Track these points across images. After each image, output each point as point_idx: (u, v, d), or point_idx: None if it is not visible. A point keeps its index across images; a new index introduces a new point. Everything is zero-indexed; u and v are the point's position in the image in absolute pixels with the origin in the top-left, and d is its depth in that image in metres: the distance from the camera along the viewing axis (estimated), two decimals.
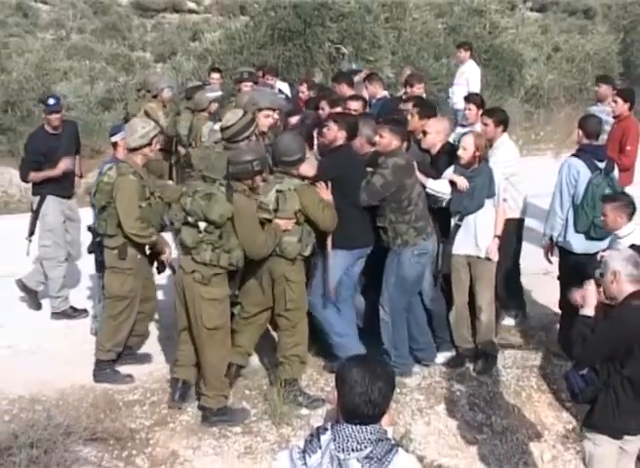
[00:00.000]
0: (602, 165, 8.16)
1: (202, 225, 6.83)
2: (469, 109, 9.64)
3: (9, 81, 17.49)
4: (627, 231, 7.08)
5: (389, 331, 7.95)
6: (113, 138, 8.56)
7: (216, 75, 13.30)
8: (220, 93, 11.65)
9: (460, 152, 7.95)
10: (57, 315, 9.15)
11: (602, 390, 5.66)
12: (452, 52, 18.92)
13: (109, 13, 39.60)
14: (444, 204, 8.04)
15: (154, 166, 11.49)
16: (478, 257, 8.04)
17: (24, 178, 9.10)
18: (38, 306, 9.34)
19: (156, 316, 8.61)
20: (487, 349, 8.35)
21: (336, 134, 7.80)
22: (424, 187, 7.90)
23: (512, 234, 8.60)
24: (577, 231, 8.10)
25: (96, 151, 15.19)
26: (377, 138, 7.82)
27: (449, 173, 8.05)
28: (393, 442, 3.67)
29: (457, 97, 14.39)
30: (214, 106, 10.76)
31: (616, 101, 10.04)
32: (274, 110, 8.71)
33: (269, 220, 7.17)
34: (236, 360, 7.64)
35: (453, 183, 7.91)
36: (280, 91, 12.46)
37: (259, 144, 7.82)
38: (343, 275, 7.84)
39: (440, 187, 7.99)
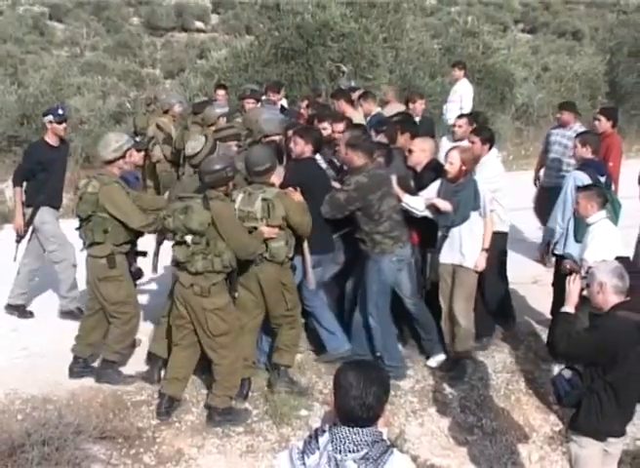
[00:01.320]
0: (603, 179, 8.40)
1: (189, 238, 6.83)
2: (459, 126, 9.72)
3: (25, 95, 17.51)
4: (596, 219, 7.36)
5: (379, 336, 7.98)
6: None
7: (221, 92, 13.30)
8: (227, 109, 11.65)
9: (447, 167, 7.99)
10: (64, 314, 9.14)
11: (586, 394, 5.69)
12: (446, 71, 18.95)
13: (121, 31, 39.77)
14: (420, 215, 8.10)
15: (165, 177, 11.58)
16: (461, 266, 8.04)
17: (17, 184, 9.00)
18: (30, 314, 9.29)
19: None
20: (463, 355, 8.32)
21: (303, 147, 8.01)
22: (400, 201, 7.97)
23: (497, 247, 8.58)
24: (577, 241, 8.12)
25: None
26: (341, 156, 7.93)
27: (434, 188, 8.09)
28: (388, 443, 3.67)
29: (450, 113, 14.44)
30: (222, 121, 10.77)
31: (599, 119, 10.12)
32: (279, 134, 8.75)
33: (256, 228, 7.22)
34: (246, 374, 7.60)
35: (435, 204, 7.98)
36: (282, 107, 12.48)
37: (226, 152, 7.86)
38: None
39: (415, 204, 8.07)
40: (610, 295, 5.62)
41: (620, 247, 7.32)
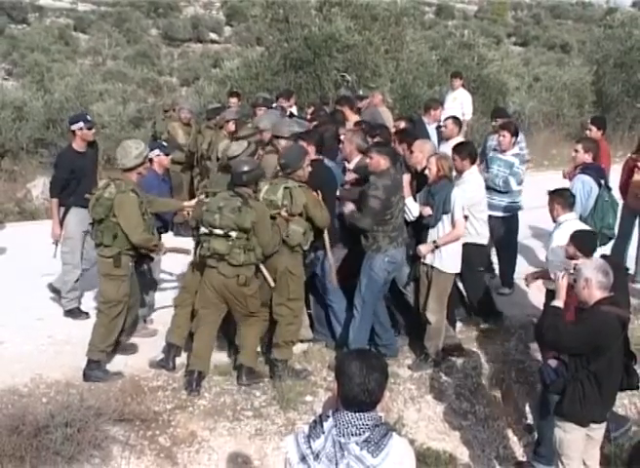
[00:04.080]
0: (602, 181, 8.52)
1: (234, 234, 7.07)
2: (445, 126, 9.76)
3: (51, 101, 17.51)
4: (564, 219, 7.48)
5: (356, 325, 7.95)
6: (73, 127, 8.75)
7: (234, 99, 13.32)
8: (237, 115, 11.66)
9: (427, 172, 7.98)
10: (66, 312, 9.08)
11: (571, 383, 5.72)
12: (444, 80, 18.98)
13: (141, 42, 39.82)
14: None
15: (173, 177, 11.58)
16: (432, 267, 7.99)
17: (53, 195, 8.94)
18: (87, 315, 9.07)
19: None
20: (431, 350, 8.27)
21: (306, 149, 7.99)
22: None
23: (475, 257, 8.57)
24: None
25: None
26: (367, 160, 7.87)
27: (417, 198, 8.17)
28: (388, 426, 3.69)
29: None
30: (232, 126, 10.77)
31: (590, 129, 10.09)
32: (288, 138, 8.75)
33: (277, 215, 7.41)
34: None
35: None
36: (291, 113, 12.48)
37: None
38: (319, 271, 8.13)
39: (412, 208, 8.08)
40: (595, 291, 5.64)
41: None
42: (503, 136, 9.59)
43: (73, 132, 8.88)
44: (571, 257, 6.83)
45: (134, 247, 7.53)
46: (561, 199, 7.55)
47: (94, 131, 9.06)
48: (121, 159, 7.59)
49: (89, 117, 9.10)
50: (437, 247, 7.88)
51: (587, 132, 10.14)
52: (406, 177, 8.13)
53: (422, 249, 7.92)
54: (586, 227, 7.57)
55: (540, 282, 7.77)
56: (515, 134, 9.65)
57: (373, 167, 7.76)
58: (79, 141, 8.86)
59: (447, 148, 9.25)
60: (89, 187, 8.24)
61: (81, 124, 8.79)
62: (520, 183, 9.60)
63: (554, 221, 7.65)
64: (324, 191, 7.73)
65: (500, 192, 9.44)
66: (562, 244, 7.10)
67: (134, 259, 7.69)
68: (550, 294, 7.07)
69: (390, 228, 7.73)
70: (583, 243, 6.75)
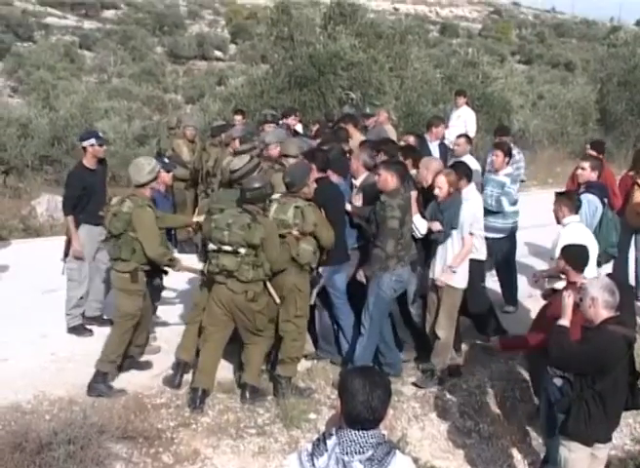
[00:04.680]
0: (605, 200, 8.64)
1: (243, 250, 7.09)
2: (457, 144, 9.77)
3: (56, 118, 17.57)
4: (568, 221, 7.71)
5: (363, 343, 7.95)
6: (84, 143, 8.77)
7: (238, 117, 13.37)
8: (243, 132, 11.69)
9: (436, 191, 7.97)
10: (69, 329, 9.03)
11: (576, 402, 5.68)
12: (448, 98, 19.02)
13: (146, 60, 39.96)
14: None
15: (177, 194, 11.60)
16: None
17: (67, 214, 8.92)
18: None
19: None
20: (438, 367, 8.26)
21: (310, 165, 8.04)
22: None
23: (476, 273, 8.53)
24: None
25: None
26: (375, 177, 7.88)
27: (426, 214, 8.14)
28: (392, 444, 3.68)
29: (452, 136, 14.43)
30: (236, 143, 10.80)
31: (590, 154, 10.11)
32: (296, 157, 8.79)
33: (287, 234, 7.43)
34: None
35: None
36: (295, 131, 12.52)
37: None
38: (329, 288, 8.14)
39: (420, 225, 8.09)
40: (601, 310, 5.63)
41: (592, 247, 7.55)
42: (496, 155, 9.68)
43: (84, 148, 8.90)
44: (561, 271, 6.88)
45: (149, 261, 7.58)
46: (569, 201, 7.74)
47: (104, 148, 9.10)
48: (134, 176, 7.69)
49: (100, 134, 9.16)
50: (450, 268, 7.92)
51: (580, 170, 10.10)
52: (413, 194, 8.13)
53: (443, 278, 7.93)
54: (589, 231, 7.83)
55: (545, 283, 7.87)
56: (508, 153, 9.70)
57: (381, 184, 7.76)
58: (90, 158, 8.88)
59: None
60: (99, 204, 8.29)
61: (92, 140, 8.82)
62: (514, 204, 9.60)
63: (558, 223, 7.82)
64: (328, 208, 7.76)
65: (493, 213, 9.45)
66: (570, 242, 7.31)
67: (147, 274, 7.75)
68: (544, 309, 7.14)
69: (399, 247, 7.74)
70: (574, 257, 6.80)
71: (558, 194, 7.84)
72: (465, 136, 10.50)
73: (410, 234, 7.94)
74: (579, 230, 7.64)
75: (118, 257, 7.56)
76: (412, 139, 10.23)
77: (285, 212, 7.47)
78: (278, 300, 7.49)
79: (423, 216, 8.14)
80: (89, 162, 8.88)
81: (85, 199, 8.78)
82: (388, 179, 7.70)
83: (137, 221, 7.44)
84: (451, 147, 12.27)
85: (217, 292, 7.33)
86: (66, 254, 8.93)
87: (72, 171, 9.25)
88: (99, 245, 8.78)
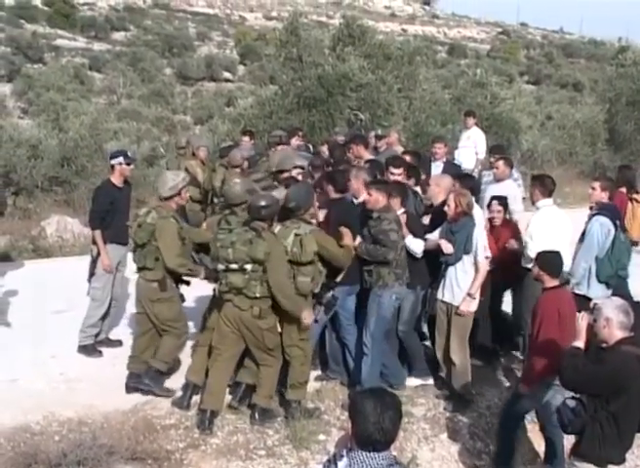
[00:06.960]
0: (617, 222, 8.48)
1: (249, 267, 7.09)
2: (497, 168, 9.76)
3: (66, 139, 17.64)
4: (542, 204, 8.17)
5: (368, 363, 7.96)
6: (113, 161, 8.89)
7: (246, 138, 13.40)
8: (252, 153, 11.72)
9: (445, 208, 8.00)
10: (80, 348, 9.04)
11: (589, 423, 5.63)
12: (457, 119, 19.07)
13: (155, 81, 40.22)
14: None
15: (192, 216, 11.61)
16: (452, 304, 7.99)
17: (95, 228, 8.92)
18: (118, 343, 9.21)
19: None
20: (461, 391, 8.24)
21: (326, 188, 8.23)
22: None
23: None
24: (599, 281, 8.24)
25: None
26: (365, 196, 7.95)
27: (436, 234, 8.12)
28: (402, 466, 3.66)
29: (462, 157, 14.49)
30: (245, 164, 10.84)
31: (594, 188, 10.05)
32: (303, 168, 8.89)
33: (289, 261, 7.35)
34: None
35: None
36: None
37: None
38: (338, 308, 8.07)
39: (415, 246, 8.15)
40: (615, 330, 5.58)
41: (564, 230, 8.06)
42: (497, 167, 9.87)
43: (112, 166, 9.02)
44: (536, 279, 6.97)
45: (169, 272, 7.75)
46: (541, 186, 8.19)
47: (132, 166, 9.24)
48: (159, 189, 7.94)
49: (129, 153, 9.30)
50: (470, 295, 7.88)
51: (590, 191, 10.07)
52: (402, 217, 8.14)
53: (463, 307, 7.88)
54: (563, 214, 8.25)
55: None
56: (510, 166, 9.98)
57: (371, 204, 7.83)
58: (117, 176, 8.98)
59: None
60: (123, 224, 8.48)
61: (121, 159, 8.95)
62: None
63: (533, 205, 8.24)
64: (350, 226, 7.79)
65: None
66: (540, 227, 7.94)
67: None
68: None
69: (394, 265, 7.79)
70: (548, 264, 6.85)
71: (534, 177, 8.17)
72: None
73: (404, 254, 7.98)
74: (550, 213, 8.05)
75: (144, 266, 7.80)
76: (408, 158, 10.22)
77: (285, 237, 7.41)
78: (279, 329, 7.48)
79: (415, 236, 8.19)
80: (116, 179, 8.98)
81: (109, 216, 8.85)
82: (379, 199, 7.77)
83: (158, 232, 7.66)
84: (463, 167, 12.34)
85: (225, 310, 7.34)
86: (92, 274, 8.96)
87: (100, 186, 9.34)
88: (119, 266, 8.90)
